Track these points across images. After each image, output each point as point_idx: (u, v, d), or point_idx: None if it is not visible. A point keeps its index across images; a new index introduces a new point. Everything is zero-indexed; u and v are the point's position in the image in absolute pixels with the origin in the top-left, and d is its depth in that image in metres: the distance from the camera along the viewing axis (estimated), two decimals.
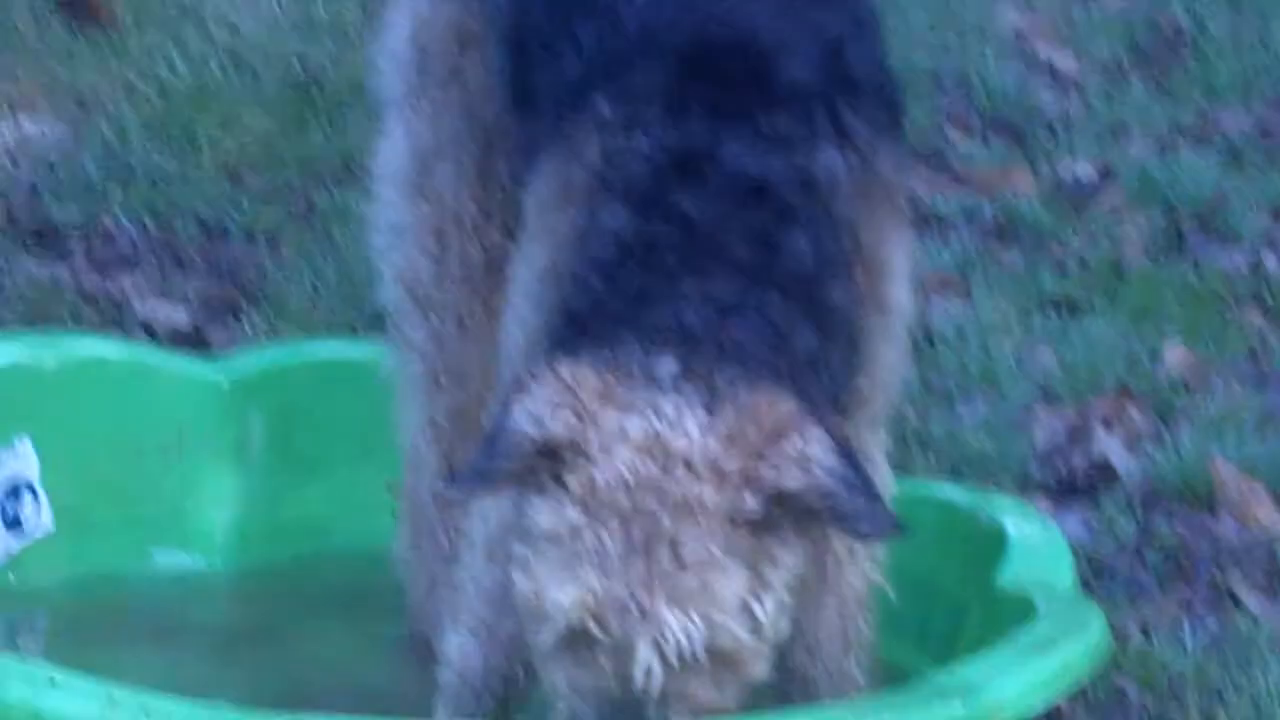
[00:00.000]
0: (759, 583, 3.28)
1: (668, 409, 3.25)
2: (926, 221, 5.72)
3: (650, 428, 3.25)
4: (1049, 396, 5.02)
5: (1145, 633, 4.16)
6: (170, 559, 4.38)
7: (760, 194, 3.42)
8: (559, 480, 3.25)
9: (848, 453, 3.28)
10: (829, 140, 3.45)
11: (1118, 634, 3.95)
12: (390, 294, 3.96)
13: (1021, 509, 4.08)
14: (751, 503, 3.22)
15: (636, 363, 3.32)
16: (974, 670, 3.43)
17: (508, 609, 3.49)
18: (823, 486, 3.23)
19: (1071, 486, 4.74)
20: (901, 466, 3.97)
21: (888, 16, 4.18)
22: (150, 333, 4.92)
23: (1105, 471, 4.76)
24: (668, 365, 3.30)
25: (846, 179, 3.47)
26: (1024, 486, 4.65)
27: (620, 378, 3.30)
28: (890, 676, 3.70)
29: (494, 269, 3.80)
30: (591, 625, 3.21)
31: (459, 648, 3.58)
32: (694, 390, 3.28)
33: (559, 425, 3.23)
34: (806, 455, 3.23)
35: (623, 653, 3.20)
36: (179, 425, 4.36)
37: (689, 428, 3.24)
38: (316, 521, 4.37)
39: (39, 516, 4.20)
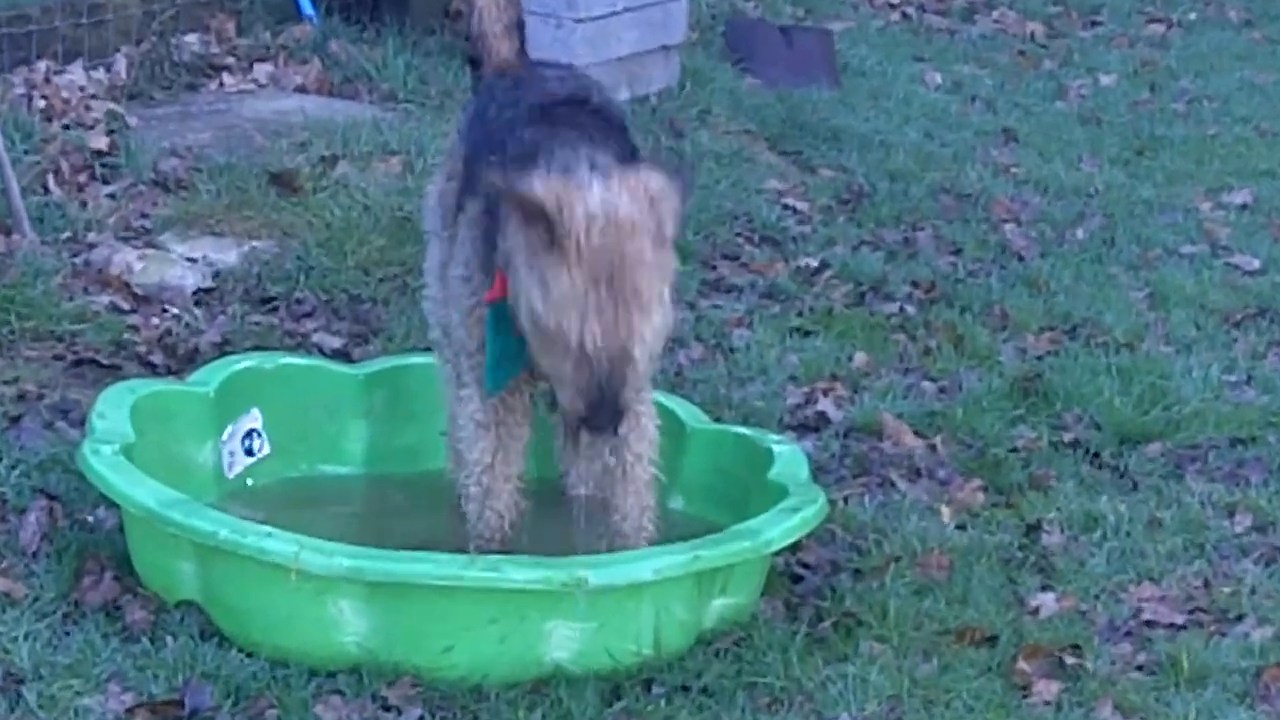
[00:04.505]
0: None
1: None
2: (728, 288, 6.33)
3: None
4: (795, 379, 5.78)
5: (845, 501, 4.98)
6: (330, 469, 5.15)
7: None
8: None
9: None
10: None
11: (831, 503, 4.70)
12: (432, 333, 4.92)
13: (780, 438, 4.95)
14: None
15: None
16: (756, 523, 4.37)
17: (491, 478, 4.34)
18: None
19: (806, 426, 5.49)
20: (717, 418, 5.08)
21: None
22: (321, 351, 5.61)
23: (823, 418, 5.52)
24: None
25: None
26: (781, 427, 5.38)
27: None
28: (710, 529, 4.42)
29: (480, 308, 4.27)
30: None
31: (474, 514, 4.48)
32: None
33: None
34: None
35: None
36: (335, 397, 5.16)
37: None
38: (410, 450, 5.18)
39: (262, 447, 5.01)
